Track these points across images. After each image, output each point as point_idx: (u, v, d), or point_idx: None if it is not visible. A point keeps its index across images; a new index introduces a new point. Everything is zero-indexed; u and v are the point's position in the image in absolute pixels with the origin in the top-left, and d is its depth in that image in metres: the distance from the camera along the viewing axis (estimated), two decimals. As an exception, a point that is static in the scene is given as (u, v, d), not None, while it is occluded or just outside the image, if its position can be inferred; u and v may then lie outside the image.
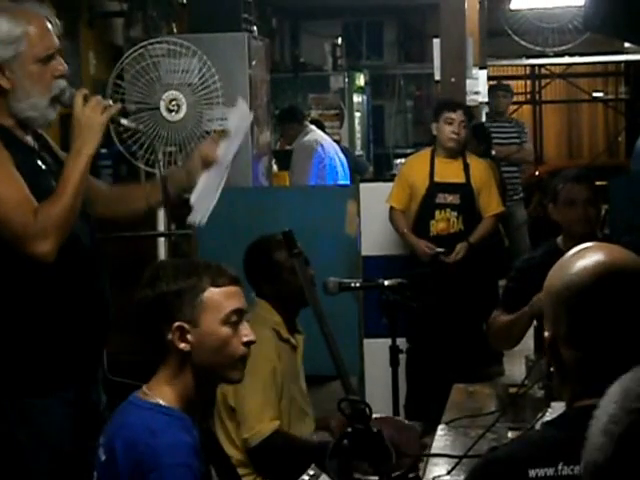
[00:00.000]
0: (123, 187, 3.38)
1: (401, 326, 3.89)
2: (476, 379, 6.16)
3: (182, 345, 2.40)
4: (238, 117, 3.39)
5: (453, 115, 5.96)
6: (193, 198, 3.19)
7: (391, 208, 6.19)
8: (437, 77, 6.58)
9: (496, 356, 7.34)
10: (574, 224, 3.99)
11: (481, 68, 7.83)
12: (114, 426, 2.44)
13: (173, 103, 5.07)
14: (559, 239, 4.11)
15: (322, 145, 8.23)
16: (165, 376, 2.45)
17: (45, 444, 2.78)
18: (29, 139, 3.00)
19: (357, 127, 10.62)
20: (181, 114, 5.10)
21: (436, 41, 6.54)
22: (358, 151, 10.37)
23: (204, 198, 3.22)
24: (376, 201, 6.24)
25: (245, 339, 2.46)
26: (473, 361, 6.24)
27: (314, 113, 10.06)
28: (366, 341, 6.41)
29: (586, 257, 1.79)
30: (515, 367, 7.35)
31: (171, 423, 2.37)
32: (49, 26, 2.95)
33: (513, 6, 10.71)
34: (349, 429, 2.17)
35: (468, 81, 6.73)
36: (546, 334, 1.79)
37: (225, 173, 3.30)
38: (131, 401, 2.46)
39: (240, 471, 3.36)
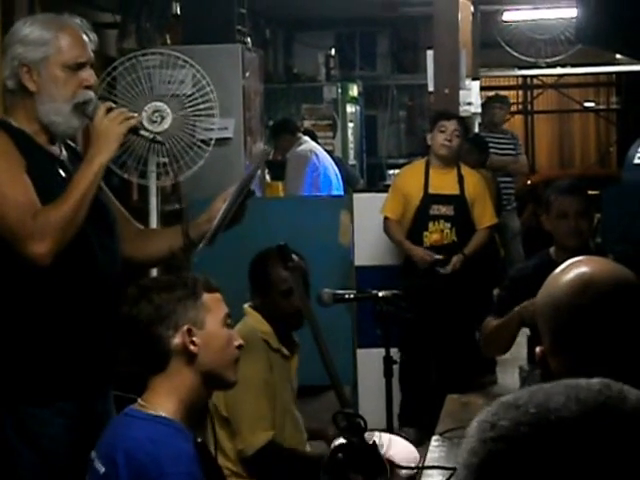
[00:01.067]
0: (148, 230, 3.34)
1: (394, 337, 3.90)
2: (469, 388, 6.19)
3: (192, 347, 2.46)
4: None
5: (446, 123, 5.99)
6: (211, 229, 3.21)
7: (385, 218, 6.20)
8: (431, 88, 6.60)
9: (489, 365, 7.35)
10: (565, 236, 4.01)
11: (474, 79, 7.85)
12: (112, 438, 2.45)
13: (156, 114, 5.08)
14: (552, 249, 4.12)
15: (316, 154, 8.25)
16: (165, 386, 2.47)
17: (40, 454, 2.78)
18: (54, 148, 3.00)
19: (350, 137, 10.63)
20: (165, 125, 5.10)
21: (430, 52, 6.56)
22: (351, 161, 10.38)
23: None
24: (369, 212, 6.26)
25: (236, 343, 2.57)
26: (466, 371, 6.26)
27: (307, 123, 10.08)
28: (359, 351, 6.42)
29: (570, 272, 1.83)
30: (508, 376, 7.36)
31: (172, 433, 2.40)
32: (83, 37, 2.96)
33: (506, 18, 10.76)
34: (344, 442, 2.18)
35: (461, 92, 6.75)
36: (538, 349, 1.83)
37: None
38: (128, 413, 2.48)
39: (234, 482, 3.39)
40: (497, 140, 8.47)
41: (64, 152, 3.04)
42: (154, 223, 5.06)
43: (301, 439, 3.84)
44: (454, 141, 6.02)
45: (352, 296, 3.62)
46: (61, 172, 2.97)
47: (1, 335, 2.86)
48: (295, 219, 6.15)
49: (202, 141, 5.27)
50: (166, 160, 5.24)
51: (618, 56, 10.32)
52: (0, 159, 2.83)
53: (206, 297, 2.51)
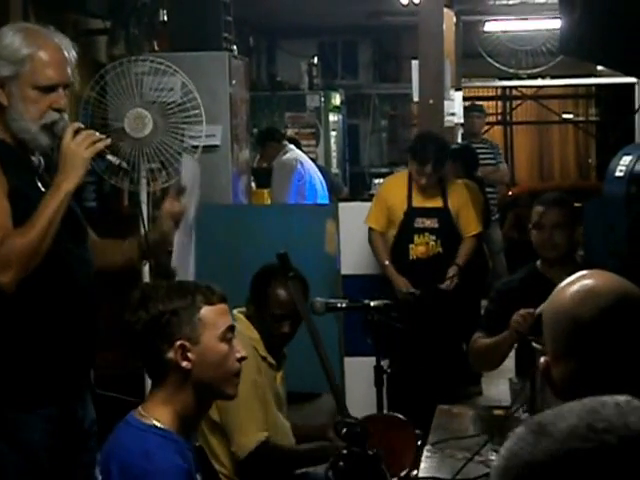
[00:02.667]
0: (104, 242, 3.34)
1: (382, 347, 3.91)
2: (455, 399, 6.21)
3: (184, 363, 2.43)
4: (190, 172, 3.44)
5: (422, 169, 6.01)
6: (173, 262, 3.25)
7: (370, 229, 6.23)
8: (415, 98, 6.62)
9: (474, 376, 7.38)
10: (541, 247, 4.05)
11: (457, 90, 7.88)
12: (110, 446, 2.46)
13: (137, 121, 5.09)
14: (538, 262, 4.14)
15: (302, 163, 8.27)
16: (162, 396, 2.46)
17: (24, 458, 2.78)
18: (34, 159, 2.99)
19: (333, 146, 10.65)
20: (146, 131, 5.11)
21: (415, 62, 6.58)
22: (334, 170, 10.40)
23: (183, 259, 3.28)
24: (355, 220, 6.27)
25: (238, 355, 2.53)
26: (452, 381, 6.27)
27: (290, 131, 10.09)
28: (346, 359, 6.43)
29: (575, 284, 1.89)
30: (492, 387, 7.43)
31: (165, 445, 2.39)
32: (63, 57, 2.93)
33: (487, 28, 10.80)
34: (345, 451, 2.18)
35: (445, 102, 6.78)
36: (542, 359, 1.87)
37: (192, 232, 3.37)
38: (128, 421, 2.48)
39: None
40: (477, 150, 8.50)
41: (42, 161, 3.02)
42: (143, 229, 5.04)
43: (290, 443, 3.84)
44: (432, 180, 6.05)
45: (345, 305, 3.64)
46: (39, 185, 2.96)
47: None
48: (281, 227, 6.14)
49: (192, 147, 5.28)
50: (156, 166, 5.25)
51: (600, 68, 10.38)
52: None
53: (205, 310, 2.46)
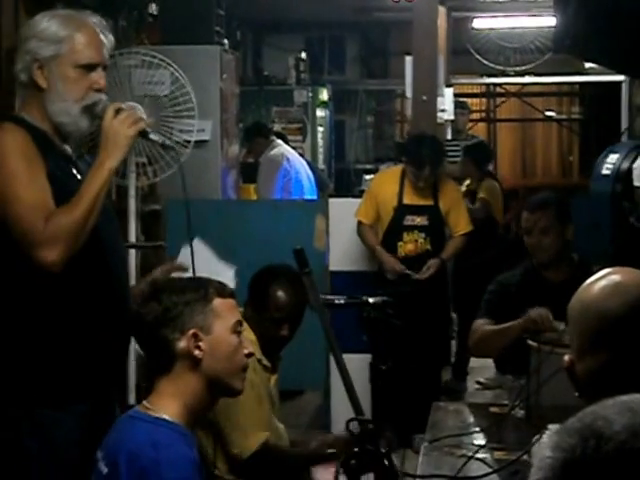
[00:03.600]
0: None
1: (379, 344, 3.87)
2: (440, 394, 6.22)
3: (196, 352, 2.42)
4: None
5: (419, 173, 6.00)
6: None
7: (359, 222, 6.22)
8: (408, 95, 6.60)
9: (460, 372, 7.41)
10: (532, 251, 4.13)
11: (447, 86, 7.86)
12: (115, 440, 2.42)
13: None
14: (535, 260, 4.18)
15: (288, 159, 8.26)
16: (169, 389, 2.44)
17: (55, 456, 2.72)
18: (67, 148, 2.95)
19: (320, 142, 10.62)
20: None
21: (408, 59, 6.56)
22: (320, 165, 10.37)
23: None
24: (345, 216, 6.26)
25: (246, 351, 2.54)
26: (438, 377, 6.28)
27: (277, 126, 10.05)
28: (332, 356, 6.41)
29: (601, 280, 1.91)
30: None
31: (174, 438, 2.37)
32: (101, 39, 2.91)
33: (476, 25, 10.79)
34: (356, 449, 2.16)
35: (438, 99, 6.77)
36: (566, 357, 1.89)
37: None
38: (132, 415, 2.46)
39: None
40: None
41: (72, 151, 2.99)
42: (133, 223, 5.02)
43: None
44: (429, 181, 6.05)
45: (342, 301, 3.60)
46: (75, 172, 2.93)
47: (17, 338, 2.80)
48: (271, 222, 6.12)
49: (180, 142, 5.23)
50: (145, 160, 5.21)
51: (587, 66, 10.39)
52: (20, 159, 2.77)
53: (217, 302, 2.47)
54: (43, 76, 2.86)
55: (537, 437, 2.61)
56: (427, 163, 5.96)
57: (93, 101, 2.88)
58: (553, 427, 2.59)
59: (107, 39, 2.94)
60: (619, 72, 8.31)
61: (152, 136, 3.05)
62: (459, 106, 9.22)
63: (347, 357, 6.01)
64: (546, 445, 1.13)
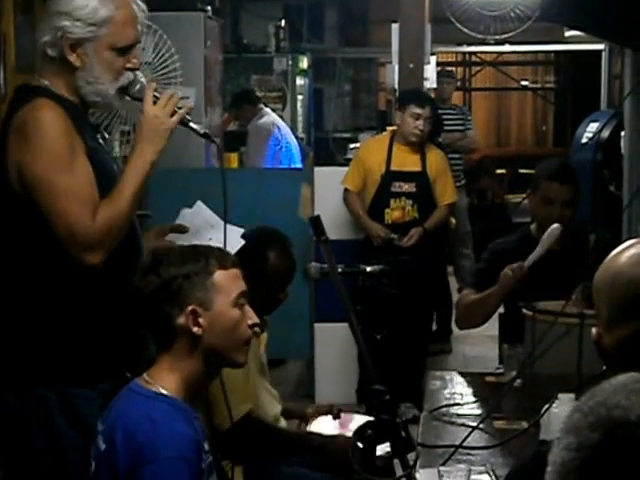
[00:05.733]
0: None
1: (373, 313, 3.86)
2: (424, 356, 6.22)
3: (195, 329, 2.37)
4: (200, 220, 3.20)
5: (421, 111, 5.96)
6: None
7: (345, 190, 6.19)
8: (395, 63, 6.55)
9: (444, 334, 7.43)
10: (547, 222, 3.94)
11: (431, 54, 7.82)
12: (114, 414, 2.38)
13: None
14: (532, 227, 4.15)
15: (279, 127, 8.21)
16: (169, 362, 2.40)
17: (84, 433, 2.66)
18: (92, 119, 2.89)
19: (299, 110, 10.57)
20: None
21: (395, 26, 6.50)
22: (300, 134, 10.32)
23: None
24: (331, 185, 6.23)
25: (250, 322, 2.47)
26: (422, 339, 6.28)
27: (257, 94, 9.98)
28: (316, 325, 6.40)
29: (628, 250, 1.88)
30: (460, 346, 7.48)
31: (172, 413, 2.33)
32: (134, 13, 2.78)
33: (456, -7, 10.72)
34: (373, 419, 2.14)
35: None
36: (593, 330, 1.86)
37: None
38: (132, 389, 2.41)
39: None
40: (445, 116, 8.47)
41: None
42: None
43: (275, 412, 3.79)
44: (426, 128, 6.01)
45: (340, 270, 3.57)
46: (101, 141, 2.85)
47: (49, 319, 2.74)
48: (255, 191, 6.10)
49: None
50: (129, 129, 5.13)
51: (568, 34, 10.37)
52: (63, 143, 2.64)
53: (219, 275, 2.40)
54: (77, 55, 2.73)
55: (547, 406, 2.59)
56: (428, 101, 5.96)
57: (129, 81, 2.79)
58: (563, 396, 2.57)
59: (139, 8, 2.82)
60: (608, 40, 8.29)
61: (193, 125, 2.84)
62: (446, 75, 9.20)
63: (339, 326, 6.04)
64: (564, 446, 1.10)
